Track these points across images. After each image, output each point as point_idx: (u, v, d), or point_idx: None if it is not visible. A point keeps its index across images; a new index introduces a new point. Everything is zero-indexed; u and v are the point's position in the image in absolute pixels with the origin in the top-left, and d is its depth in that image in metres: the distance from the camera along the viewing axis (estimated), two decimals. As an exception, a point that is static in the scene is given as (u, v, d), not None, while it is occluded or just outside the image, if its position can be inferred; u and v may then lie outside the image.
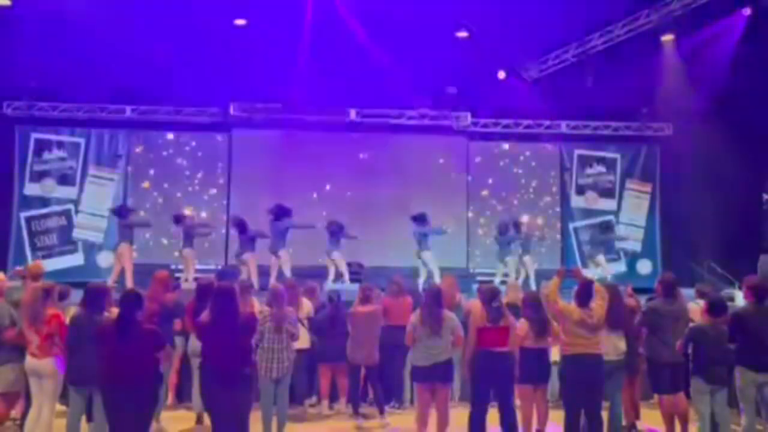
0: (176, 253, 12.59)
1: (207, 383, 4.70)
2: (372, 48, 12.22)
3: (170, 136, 13.96)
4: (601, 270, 11.79)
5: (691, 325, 5.84)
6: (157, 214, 13.42)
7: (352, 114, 13.99)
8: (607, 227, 13.03)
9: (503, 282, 10.46)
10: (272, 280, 9.55)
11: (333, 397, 7.07)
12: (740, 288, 8.85)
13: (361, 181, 13.94)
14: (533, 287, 10.52)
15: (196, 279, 9.08)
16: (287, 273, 9.87)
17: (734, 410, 5.73)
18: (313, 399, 7.21)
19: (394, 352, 6.75)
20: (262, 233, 10.24)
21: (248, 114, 13.64)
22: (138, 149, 13.81)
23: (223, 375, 4.58)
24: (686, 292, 7.08)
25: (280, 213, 10.16)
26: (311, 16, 12.33)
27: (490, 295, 5.48)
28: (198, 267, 11.53)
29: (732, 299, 8.40)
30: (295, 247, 10.90)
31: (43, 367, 5.06)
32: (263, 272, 10.17)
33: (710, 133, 12.06)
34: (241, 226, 10.19)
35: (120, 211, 10.70)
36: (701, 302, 6.86)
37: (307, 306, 7.10)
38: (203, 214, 13.52)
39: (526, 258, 11.59)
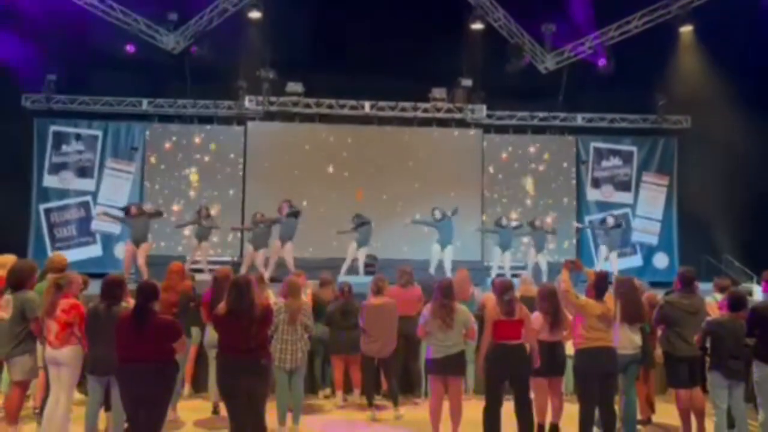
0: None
1: (223, 374, 4.73)
2: (387, 39, 12.18)
3: (186, 129, 14.05)
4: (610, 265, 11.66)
5: (708, 318, 5.79)
6: (170, 206, 13.58)
7: (367, 106, 13.99)
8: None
9: (514, 275, 10.43)
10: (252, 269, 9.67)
11: (347, 389, 7.09)
12: (758, 282, 8.78)
13: (374, 174, 13.95)
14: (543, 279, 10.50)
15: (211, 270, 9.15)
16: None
17: (751, 405, 5.68)
18: (327, 390, 7.25)
19: (404, 343, 6.76)
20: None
21: (263, 107, 13.70)
22: (154, 142, 13.91)
23: (239, 366, 4.61)
24: (704, 287, 7.02)
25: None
26: (325, 8, 12.34)
27: (502, 289, 5.47)
28: (213, 259, 11.66)
29: (750, 293, 8.30)
30: (308, 240, 10.95)
31: (62, 356, 5.14)
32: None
33: (729, 125, 11.90)
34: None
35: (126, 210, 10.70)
36: (719, 296, 6.81)
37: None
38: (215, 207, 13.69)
39: (539, 253, 11.55)
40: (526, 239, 12.83)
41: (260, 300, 5.15)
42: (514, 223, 12.09)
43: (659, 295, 6.62)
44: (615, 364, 5.32)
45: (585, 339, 5.30)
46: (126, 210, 10.71)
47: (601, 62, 13.18)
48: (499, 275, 10.22)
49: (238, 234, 13.29)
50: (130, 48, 12.69)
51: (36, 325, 5.33)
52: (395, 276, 7.30)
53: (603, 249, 11.94)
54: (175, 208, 13.65)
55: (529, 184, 14.37)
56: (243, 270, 9.77)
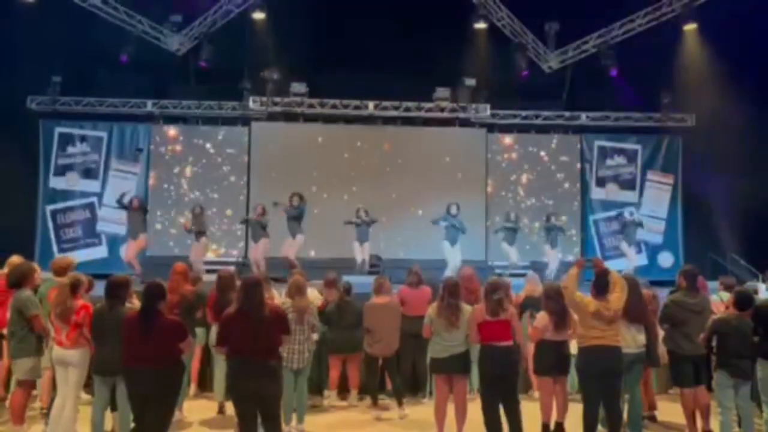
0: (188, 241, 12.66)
1: (234, 377, 4.67)
2: (390, 39, 12.19)
3: (191, 129, 14.08)
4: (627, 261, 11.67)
5: (714, 317, 5.78)
6: (176, 207, 13.63)
7: (371, 106, 14.00)
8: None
9: (513, 274, 10.41)
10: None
11: (343, 389, 7.07)
12: (764, 280, 8.76)
13: (378, 173, 13.96)
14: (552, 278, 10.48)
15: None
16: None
17: (755, 404, 5.68)
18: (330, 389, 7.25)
19: (413, 343, 6.76)
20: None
21: (267, 107, 13.71)
22: (159, 143, 13.95)
23: (249, 368, 4.55)
24: (709, 285, 7.01)
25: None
26: (329, 9, 12.34)
27: (491, 288, 5.44)
28: (218, 259, 11.68)
29: (756, 292, 8.28)
30: (316, 239, 10.96)
31: (71, 357, 5.17)
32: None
33: (733, 123, 11.87)
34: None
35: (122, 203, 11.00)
36: (724, 295, 6.79)
37: (313, 296, 7.08)
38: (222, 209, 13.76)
39: (551, 250, 11.55)
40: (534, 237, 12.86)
41: (272, 303, 5.13)
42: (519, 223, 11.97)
43: (658, 291, 6.62)
44: (617, 363, 5.24)
45: (583, 337, 5.29)
46: (129, 203, 10.90)
47: (613, 73, 13.11)
48: (508, 274, 10.25)
49: (242, 234, 13.35)
50: (123, 58, 12.68)
51: (36, 321, 5.36)
52: (399, 275, 7.30)
53: (624, 245, 11.97)
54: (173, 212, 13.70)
55: (532, 183, 14.34)
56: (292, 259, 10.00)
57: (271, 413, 4.61)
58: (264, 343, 4.58)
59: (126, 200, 10.97)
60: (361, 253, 10.97)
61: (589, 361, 5.23)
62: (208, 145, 14.02)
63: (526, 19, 13.57)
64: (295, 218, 10.45)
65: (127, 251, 10.80)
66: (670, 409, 6.44)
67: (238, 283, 6.57)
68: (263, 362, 4.56)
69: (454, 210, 11.02)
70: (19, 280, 5.54)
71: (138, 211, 10.87)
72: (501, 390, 5.31)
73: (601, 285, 5.33)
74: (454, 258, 10.73)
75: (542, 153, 14.48)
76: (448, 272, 10.20)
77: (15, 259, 6.41)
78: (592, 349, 5.21)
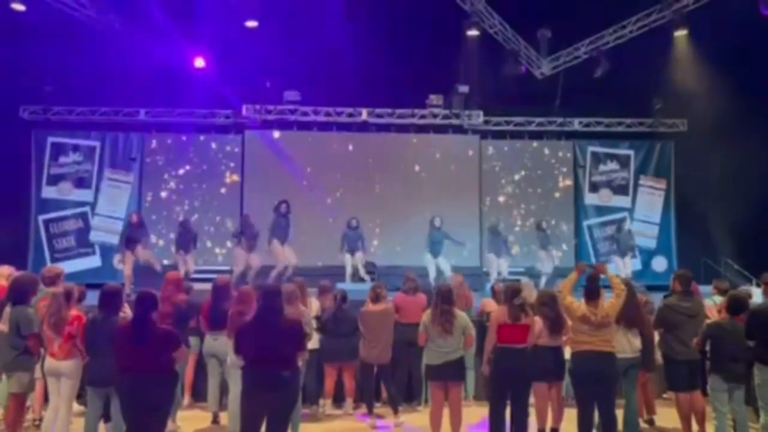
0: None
1: (245, 385, 4.57)
2: (383, 47, 12.22)
3: (184, 138, 14.06)
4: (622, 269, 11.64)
5: (708, 321, 5.79)
6: (169, 216, 13.58)
7: (364, 114, 14.02)
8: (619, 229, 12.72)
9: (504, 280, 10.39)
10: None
11: (340, 398, 7.04)
12: (758, 284, 8.78)
13: (372, 181, 13.97)
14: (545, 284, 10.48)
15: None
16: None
17: (751, 409, 5.68)
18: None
19: (409, 351, 6.74)
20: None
21: (260, 115, 13.72)
22: (152, 152, 13.92)
23: (262, 377, 4.47)
24: (702, 290, 7.02)
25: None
26: (322, 16, 12.37)
27: (512, 293, 5.45)
28: (213, 268, 11.63)
29: (749, 296, 8.29)
30: (309, 246, 10.93)
31: (64, 368, 5.13)
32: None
33: (725, 128, 11.94)
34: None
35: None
36: (718, 299, 6.81)
37: (315, 305, 7.09)
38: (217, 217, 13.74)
39: (542, 254, 11.55)
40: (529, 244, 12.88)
41: (290, 315, 5.08)
42: (510, 237, 11.88)
43: (652, 296, 6.62)
44: (607, 368, 5.21)
45: (574, 342, 5.29)
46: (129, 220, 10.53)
47: (601, 78, 13.17)
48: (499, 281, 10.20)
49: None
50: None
51: (33, 341, 5.29)
52: (394, 282, 7.29)
53: (617, 258, 11.88)
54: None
55: (526, 189, 14.37)
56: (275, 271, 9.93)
57: (277, 425, 4.52)
58: (278, 353, 4.49)
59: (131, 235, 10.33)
60: (351, 263, 10.92)
61: (580, 366, 5.23)
62: (201, 154, 13.98)
63: (518, 26, 13.62)
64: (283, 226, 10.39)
65: (131, 265, 10.09)
66: (665, 414, 6.45)
67: (233, 291, 6.58)
68: (276, 373, 4.46)
69: (438, 222, 10.98)
70: (21, 294, 5.44)
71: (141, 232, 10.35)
72: (513, 390, 5.29)
73: (591, 290, 5.33)
74: (445, 269, 10.69)
75: (535, 159, 14.52)
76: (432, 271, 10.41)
77: (7, 269, 6.33)
78: (582, 354, 5.21)
